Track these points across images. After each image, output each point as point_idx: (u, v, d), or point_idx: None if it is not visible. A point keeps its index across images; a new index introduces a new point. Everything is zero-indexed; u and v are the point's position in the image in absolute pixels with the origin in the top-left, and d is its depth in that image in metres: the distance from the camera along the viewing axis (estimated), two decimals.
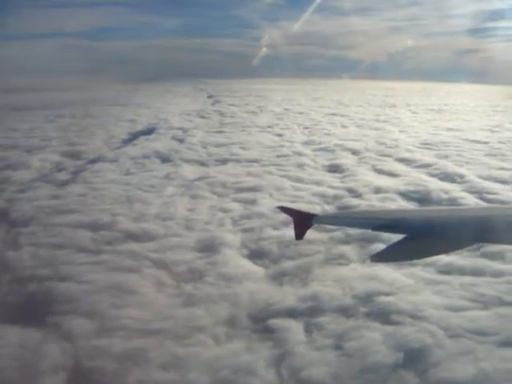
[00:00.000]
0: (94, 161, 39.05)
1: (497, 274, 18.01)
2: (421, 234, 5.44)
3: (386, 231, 6.13)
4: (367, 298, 16.19)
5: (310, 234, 21.32)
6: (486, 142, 47.82)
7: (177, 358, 13.36)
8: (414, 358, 13.03)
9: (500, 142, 48.09)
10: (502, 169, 35.48)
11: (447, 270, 18.40)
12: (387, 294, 16.41)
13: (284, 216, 23.81)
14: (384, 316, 15.11)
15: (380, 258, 5.71)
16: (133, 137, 51.83)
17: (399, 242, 5.42)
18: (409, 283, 17.42)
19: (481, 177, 32.92)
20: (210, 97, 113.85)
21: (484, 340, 13.84)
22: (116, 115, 70.48)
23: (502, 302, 15.92)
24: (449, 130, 57.03)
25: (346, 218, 7.49)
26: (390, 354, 13.12)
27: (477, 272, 18.19)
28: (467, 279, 17.65)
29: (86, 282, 17.67)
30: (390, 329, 14.41)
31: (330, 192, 28.78)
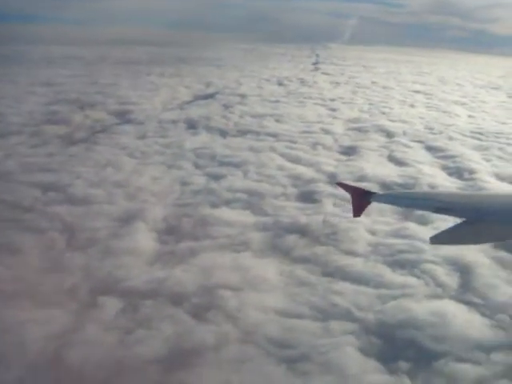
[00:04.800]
0: (125, 122, 40.68)
1: (378, 286, 16.91)
2: (480, 219, 5.31)
3: (446, 213, 6.04)
4: (211, 290, 15.98)
5: (246, 216, 21.31)
6: None
7: None
8: (177, 357, 12.86)
9: None
10: None
11: (332, 273, 17.65)
12: (234, 289, 16.08)
13: (229, 195, 24.12)
14: (204, 310, 14.93)
15: (439, 239, 5.57)
16: (193, 99, 53.06)
17: (458, 226, 5.35)
18: (272, 280, 16.94)
19: (496, 175, 30.40)
20: (314, 63, 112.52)
21: (274, 352, 13.37)
22: (200, 76, 72.15)
23: (345, 316, 15.08)
24: None
25: (404, 199, 7.44)
26: (157, 351, 13.03)
27: (361, 280, 17.21)
28: (341, 286, 16.82)
29: None
30: (191, 324, 14.29)
31: (310, 175, 28.05)
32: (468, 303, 16.05)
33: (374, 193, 6.60)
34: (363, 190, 6.72)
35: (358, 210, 6.59)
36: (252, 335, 13.89)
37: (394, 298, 16.13)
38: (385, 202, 7.66)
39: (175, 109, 47.97)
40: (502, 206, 5.33)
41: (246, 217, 22.24)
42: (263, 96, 56.99)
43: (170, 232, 20.58)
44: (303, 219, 21.98)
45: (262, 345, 13.55)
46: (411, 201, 6.81)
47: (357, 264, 18.41)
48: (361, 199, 6.49)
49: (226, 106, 49.13)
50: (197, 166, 28.91)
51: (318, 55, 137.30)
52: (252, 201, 23.86)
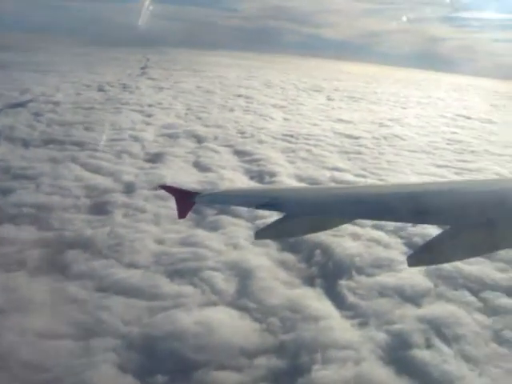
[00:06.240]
0: None
1: (151, 298, 16.66)
2: (298, 213, 5.45)
3: (267, 209, 5.74)
4: None
5: (28, 232, 19.94)
6: (358, 137, 46.57)
7: None
8: None
9: (374, 138, 46.98)
10: (334, 169, 34.31)
11: (107, 287, 17.25)
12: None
13: (15, 210, 22.79)
14: None
15: (262, 235, 5.85)
16: (1, 108, 49.94)
17: (279, 220, 5.34)
18: (40, 300, 16.17)
19: (297, 176, 31.82)
20: (143, 68, 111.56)
21: (25, 376, 12.72)
22: (18, 82, 67.87)
23: (109, 332, 14.75)
24: (338, 121, 55.88)
25: (228, 197, 7.00)
26: None
27: (135, 293, 16.85)
28: (113, 300, 16.36)
29: None
30: None
31: (106, 185, 27.57)
32: (241, 309, 16.31)
33: (199, 193, 6.65)
34: (186, 190, 6.78)
35: (182, 212, 6.66)
36: (5, 361, 13.22)
37: (166, 309, 16.02)
38: (209, 202, 7.92)
39: None
40: (316, 200, 5.61)
41: (28, 233, 21.14)
42: (79, 103, 54.80)
43: None
44: (88, 232, 21.46)
45: (13, 370, 12.93)
46: (233, 199, 6.96)
47: (135, 276, 18.19)
48: (185, 200, 6.53)
49: (36, 115, 46.53)
50: None
51: (148, 59, 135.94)
52: (39, 215, 22.83)
